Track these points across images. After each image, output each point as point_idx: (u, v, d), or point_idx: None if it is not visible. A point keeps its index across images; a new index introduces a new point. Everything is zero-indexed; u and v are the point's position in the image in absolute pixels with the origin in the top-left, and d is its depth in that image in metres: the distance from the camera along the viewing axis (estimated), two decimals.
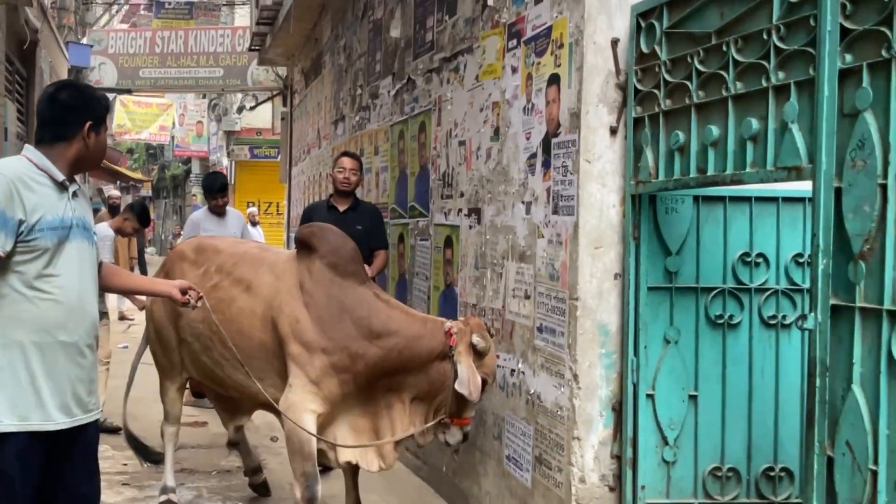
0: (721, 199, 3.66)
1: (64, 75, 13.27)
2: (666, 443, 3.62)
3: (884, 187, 2.39)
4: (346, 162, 5.92)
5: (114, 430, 6.36)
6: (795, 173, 2.72)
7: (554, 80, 3.94)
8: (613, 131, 3.68)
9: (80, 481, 3.06)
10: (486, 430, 4.66)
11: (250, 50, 13.81)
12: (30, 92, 9.78)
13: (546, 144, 4.01)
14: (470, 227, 4.94)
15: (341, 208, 5.82)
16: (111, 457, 6.02)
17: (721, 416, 3.68)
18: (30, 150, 2.95)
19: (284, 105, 14.12)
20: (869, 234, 2.44)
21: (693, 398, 3.65)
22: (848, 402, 2.50)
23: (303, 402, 4.04)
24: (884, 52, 2.40)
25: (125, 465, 5.89)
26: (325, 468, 4.72)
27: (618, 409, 3.68)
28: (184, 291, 3.43)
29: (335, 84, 8.95)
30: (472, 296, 4.89)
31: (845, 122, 2.53)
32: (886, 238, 2.39)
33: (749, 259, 3.70)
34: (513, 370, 4.34)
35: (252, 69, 15.94)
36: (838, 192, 2.55)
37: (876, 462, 2.41)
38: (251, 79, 16.36)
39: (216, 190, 7.10)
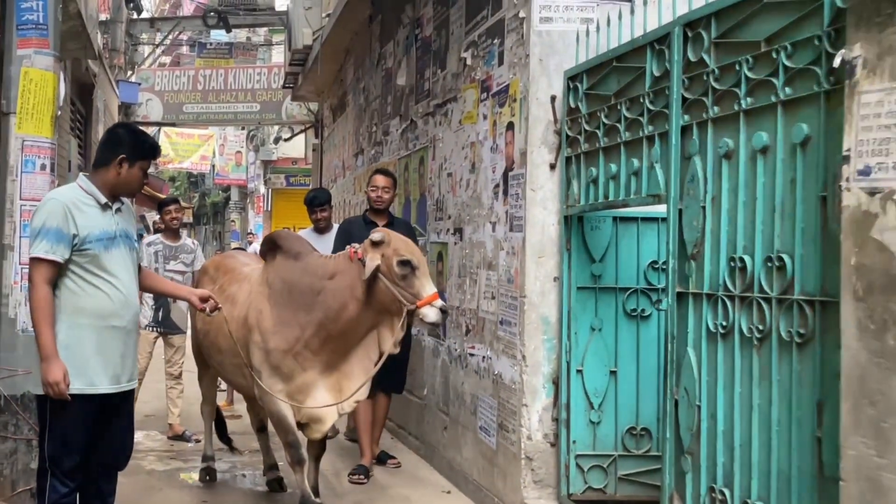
0: (634, 219, 4.70)
1: (115, 111, 14.48)
2: (592, 407, 4.65)
3: (704, 208, 3.43)
4: (379, 180, 6.09)
5: (187, 440, 7.02)
6: (658, 199, 3.77)
7: (510, 126, 5.02)
8: (552, 167, 4.75)
9: (121, 435, 3.79)
10: (465, 408, 5.71)
11: (284, 87, 14.90)
12: (88, 128, 10.93)
13: (505, 177, 5.08)
14: (455, 243, 6.03)
15: (381, 224, 5.94)
16: (160, 438, 7.17)
17: (636, 387, 4.69)
18: (82, 178, 3.70)
19: (316, 137, 15.08)
20: (696, 241, 3.48)
21: (613, 373, 4.68)
22: (685, 360, 3.52)
23: (271, 387, 4.63)
24: (704, 115, 3.44)
25: (172, 444, 7.04)
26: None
27: (556, 382, 4.71)
28: (204, 300, 4.00)
29: (357, 121, 10.06)
30: (457, 299, 5.96)
31: (685, 163, 3.58)
32: (705, 244, 3.43)
33: (657, 266, 4.71)
34: (483, 357, 5.39)
35: (286, 104, 16.92)
36: (680, 212, 3.59)
37: (700, 400, 3.43)
38: (286, 113, 17.40)
39: (315, 205, 6.91)
